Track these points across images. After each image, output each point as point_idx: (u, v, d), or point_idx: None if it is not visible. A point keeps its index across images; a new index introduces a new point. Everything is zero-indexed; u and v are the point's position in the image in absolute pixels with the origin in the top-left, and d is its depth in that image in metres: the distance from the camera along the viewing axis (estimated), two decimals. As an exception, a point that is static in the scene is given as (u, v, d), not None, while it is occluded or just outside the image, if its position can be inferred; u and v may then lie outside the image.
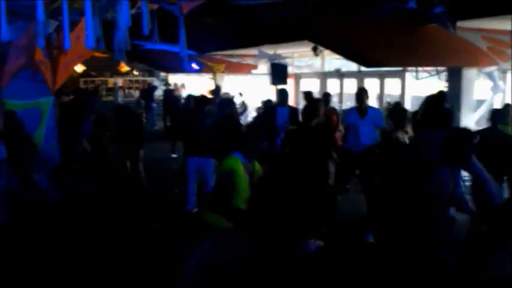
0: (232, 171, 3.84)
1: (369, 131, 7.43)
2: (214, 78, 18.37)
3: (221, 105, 7.67)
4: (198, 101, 8.66)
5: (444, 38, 7.49)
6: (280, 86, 10.64)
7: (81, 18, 4.62)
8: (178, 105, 14.89)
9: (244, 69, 17.01)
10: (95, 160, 5.95)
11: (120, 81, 25.62)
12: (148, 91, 20.82)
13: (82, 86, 24.42)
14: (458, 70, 9.00)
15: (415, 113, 7.10)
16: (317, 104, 7.01)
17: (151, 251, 5.66)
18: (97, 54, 10.78)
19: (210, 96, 12.85)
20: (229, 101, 7.01)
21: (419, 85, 10.28)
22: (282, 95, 9.18)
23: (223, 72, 16.67)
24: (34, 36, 4.43)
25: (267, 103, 10.73)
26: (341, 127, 8.83)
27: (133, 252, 5.58)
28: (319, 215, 1.89)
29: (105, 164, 6.07)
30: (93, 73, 25.37)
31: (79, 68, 20.72)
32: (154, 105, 19.70)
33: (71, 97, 9.61)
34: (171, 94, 18.41)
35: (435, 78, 9.47)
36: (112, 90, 23.85)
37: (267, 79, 14.34)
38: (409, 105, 11.50)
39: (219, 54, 14.87)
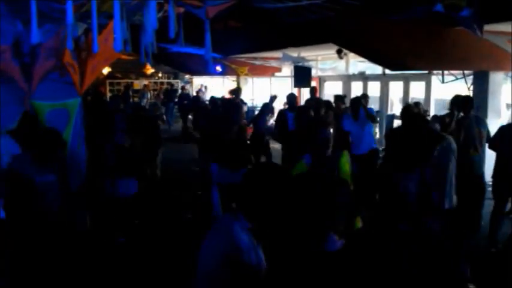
0: None
1: (367, 129, 8.11)
2: (237, 81, 18.41)
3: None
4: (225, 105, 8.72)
5: (471, 41, 7.41)
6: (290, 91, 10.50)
7: (109, 21, 4.71)
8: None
9: (268, 71, 17.03)
10: (130, 157, 6.11)
11: (146, 83, 25.99)
12: (169, 93, 21.34)
13: (108, 87, 24.87)
14: (485, 74, 8.88)
15: (443, 117, 7.11)
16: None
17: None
18: (123, 56, 10.91)
19: (230, 96, 12.84)
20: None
21: (445, 88, 10.16)
22: (290, 99, 9.17)
23: (246, 74, 16.70)
24: (63, 38, 4.51)
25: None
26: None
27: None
28: (343, 210, 1.91)
29: (137, 162, 6.23)
30: (119, 75, 25.71)
31: (105, 70, 21.04)
32: (172, 105, 19.96)
33: (89, 98, 9.80)
34: (191, 97, 18.18)
35: (461, 81, 9.35)
36: (138, 92, 24.13)
37: (291, 82, 14.31)
38: (433, 108, 11.38)
39: (243, 56, 14.88)
